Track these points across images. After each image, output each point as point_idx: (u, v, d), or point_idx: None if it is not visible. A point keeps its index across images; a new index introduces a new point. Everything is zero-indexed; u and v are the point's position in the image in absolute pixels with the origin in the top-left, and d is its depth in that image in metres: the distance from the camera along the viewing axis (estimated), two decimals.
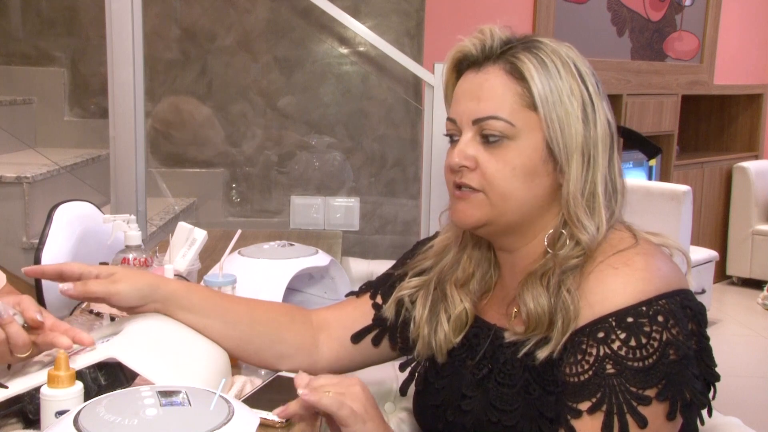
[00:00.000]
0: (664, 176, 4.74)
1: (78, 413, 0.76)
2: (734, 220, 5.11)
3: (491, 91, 1.01)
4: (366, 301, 1.21)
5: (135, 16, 2.06)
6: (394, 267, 1.24)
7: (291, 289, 1.54)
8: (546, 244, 1.03)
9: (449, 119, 1.07)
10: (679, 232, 3.93)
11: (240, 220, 2.86)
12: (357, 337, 1.18)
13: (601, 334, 0.92)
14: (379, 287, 1.21)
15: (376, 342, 1.19)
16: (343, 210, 2.86)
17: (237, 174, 2.86)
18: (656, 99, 4.61)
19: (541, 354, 0.96)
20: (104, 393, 0.84)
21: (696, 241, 4.43)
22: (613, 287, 0.94)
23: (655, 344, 0.89)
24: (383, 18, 2.77)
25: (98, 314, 1.29)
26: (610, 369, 0.90)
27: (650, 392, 0.89)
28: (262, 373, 1.14)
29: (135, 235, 1.42)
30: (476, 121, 1.02)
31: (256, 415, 0.81)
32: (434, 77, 2.46)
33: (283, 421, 1.02)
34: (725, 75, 5.06)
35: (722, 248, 5.06)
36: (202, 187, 2.87)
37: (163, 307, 1.07)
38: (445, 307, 1.11)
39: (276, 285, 1.39)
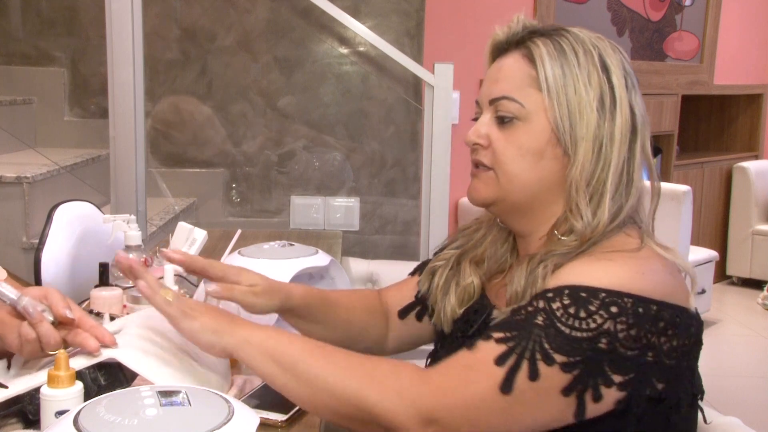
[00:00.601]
0: (664, 176, 4.73)
1: (78, 413, 0.76)
2: (734, 220, 5.11)
3: (507, 73, 1.05)
4: (416, 278, 1.26)
5: (135, 16, 2.06)
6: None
7: None
8: (549, 230, 1.04)
9: (476, 102, 1.11)
10: (679, 232, 3.93)
11: (240, 220, 2.86)
12: (403, 313, 1.24)
13: (550, 295, 0.93)
14: (425, 263, 1.25)
15: (419, 317, 1.23)
16: (343, 210, 2.86)
17: (237, 174, 2.86)
18: (656, 99, 4.61)
19: None
20: (104, 393, 0.84)
21: (696, 241, 4.43)
22: (588, 270, 0.94)
23: (592, 325, 0.89)
24: (383, 18, 2.77)
25: (98, 314, 1.29)
26: (539, 320, 0.91)
27: (559, 358, 0.88)
28: None
29: (135, 235, 1.42)
30: (492, 101, 1.05)
31: (256, 415, 0.81)
32: (434, 77, 2.46)
33: (284, 420, 1.02)
34: (725, 75, 5.06)
35: (722, 248, 5.06)
36: (202, 187, 2.87)
37: (283, 315, 1.15)
38: (457, 279, 1.15)
39: None
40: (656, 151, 4.13)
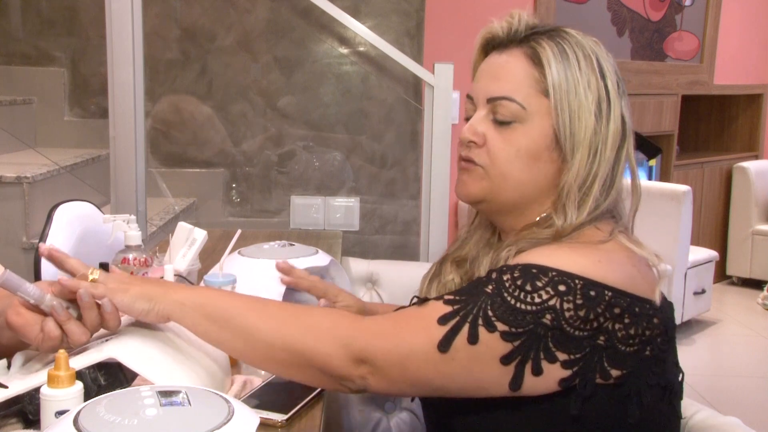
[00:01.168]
0: (664, 176, 4.74)
1: (78, 413, 0.76)
2: (734, 220, 5.11)
3: (509, 72, 1.04)
4: None
5: (135, 16, 2.06)
6: None
7: (291, 289, 1.54)
8: (530, 224, 1.05)
9: (468, 96, 1.10)
10: (679, 232, 3.93)
11: (240, 220, 2.86)
12: None
13: (504, 268, 0.95)
14: None
15: None
16: (343, 210, 2.86)
17: (237, 174, 2.86)
18: (656, 99, 4.61)
19: None
20: (104, 393, 0.84)
21: (696, 241, 4.43)
22: (547, 253, 0.96)
23: (537, 299, 0.91)
24: (383, 18, 2.77)
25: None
26: (488, 289, 0.93)
27: (501, 326, 0.90)
28: (263, 373, 1.14)
29: (135, 235, 1.42)
30: (490, 100, 1.05)
31: (256, 415, 0.81)
32: (434, 77, 2.46)
33: (284, 420, 1.02)
34: (725, 75, 5.06)
35: (722, 248, 5.06)
36: (202, 187, 2.86)
37: None
38: (439, 279, 1.17)
39: (276, 285, 1.39)
40: (656, 151, 4.12)
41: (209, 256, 1.64)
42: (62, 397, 0.86)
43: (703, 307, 4.25)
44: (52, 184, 2.34)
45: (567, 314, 0.90)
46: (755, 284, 4.93)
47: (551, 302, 0.90)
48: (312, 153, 2.85)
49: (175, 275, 1.33)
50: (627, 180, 1.08)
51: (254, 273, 1.41)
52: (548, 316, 0.90)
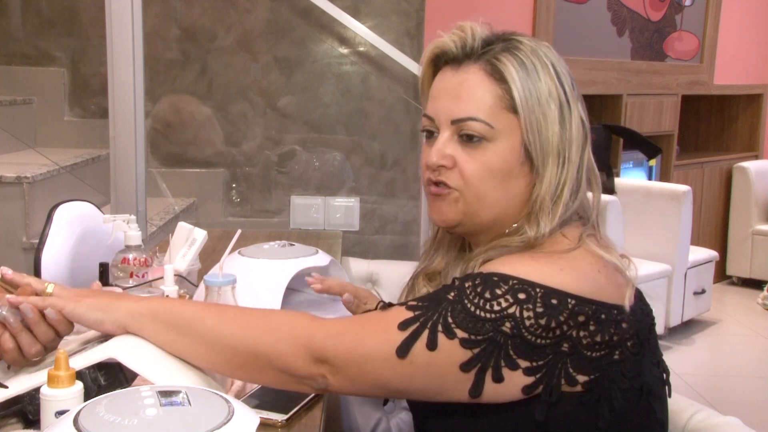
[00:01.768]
0: (664, 176, 4.74)
1: (78, 413, 0.76)
2: (734, 220, 5.11)
3: (471, 91, 1.02)
4: None
5: (135, 16, 2.06)
6: None
7: (291, 289, 1.54)
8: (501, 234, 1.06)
9: (426, 116, 1.07)
10: (679, 232, 3.93)
11: (240, 220, 2.86)
12: None
13: (467, 276, 0.96)
14: None
15: None
16: (343, 210, 2.86)
17: (237, 174, 2.86)
18: (656, 99, 4.61)
19: None
20: (104, 393, 0.84)
21: (696, 241, 4.43)
22: (510, 261, 0.97)
23: (496, 307, 0.91)
24: (383, 18, 2.77)
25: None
26: (450, 296, 0.93)
27: (461, 333, 0.90)
28: None
29: (135, 235, 1.42)
30: (455, 121, 1.03)
31: (256, 415, 0.81)
32: None
33: (284, 420, 1.02)
34: (725, 75, 5.06)
35: (722, 248, 5.06)
36: (202, 187, 2.86)
37: None
38: (413, 294, 1.17)
39: (276, 285, 1.39)
40: (656, 151, 4.12)
41: (209, 256, 1.64)
42: (62, 397, 0.86)
43: (703, 307, 4.25)
44: (52, 184, 2.34)
45: (527, 322, 0.90)
46: (755, 284, 4.93)
47: (510, 310, 0.90)
48: (312, 153, 2.85)
49: (175, 275, 1.33)
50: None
51: (254, 273, 1.41)
52: (508, 324, 0.90)
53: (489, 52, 1.03)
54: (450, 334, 0.90)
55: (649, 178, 4.71)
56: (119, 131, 2.09)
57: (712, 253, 4.33)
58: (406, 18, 2.78)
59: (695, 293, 4.13)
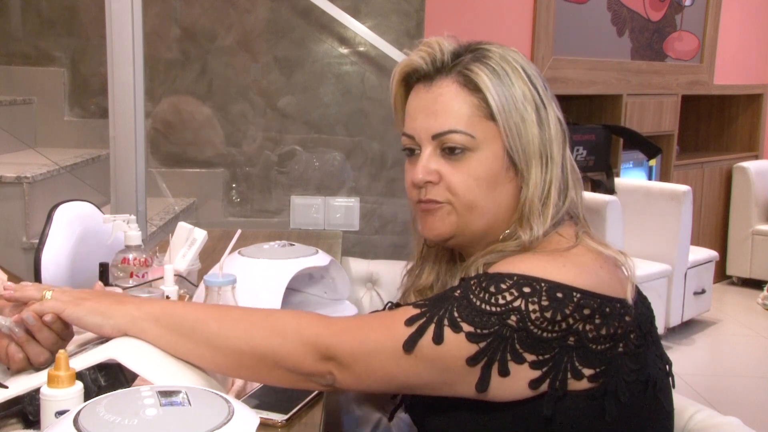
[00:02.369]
0: (664, 176, 4.74)
1: (78, 413, 0.76)
2: (734, 220, 5.12)
3: (447, 105, 1.04)
4: None
5: (135, 16, 2.06)
6: None
7: (291, 289, 1.54)
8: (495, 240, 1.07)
9: (406, 134, 1.09)
10: (679, 232, 3.94)
11: (240, 220, 2.86)
12: None
13: (472, 273, 0.98)
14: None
15: None
16: (343, 210, 2.86)
17: (237, 174, 2.86)
18: (656, 99, 4.61)
19: None
20: (104, 393, 0.84)
21: (696, 241, 4.44)
22: (512, 261, 0.97)
23: (502, 301, 0.92)
24: (383, 18, 2.77)
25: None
26: (456, 293, 0.94)
27: (467, 327, 0.91)
28: None
29: (135, 235, 1.42)
30: (436, 136, 1.05)
31: (256, 415, 0.81)
32: None
33: (284, 420, 1.02)
34: (725, 75, 5.06)
35: (722, 248, 5.06)
36: (202, 187, 2.86)
37: None
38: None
39: (276, 285, 1.39)
40: (656, 151, 4.12)
41: (209, 256, 1.64)
42: (62, 397, 0.86)
43: (703, 307, 4.25)
44: (52, 184, 2.34)
45: (533, 315, 0.91)
46: (755, 284, 4.93)
47: (516, 303, 0.91)
48: (312, 153, 2.85)
49: (175, 275, 1.33)
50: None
51: (254, 273, 1.41)
52: (513, 318, 0.91)
53: (459, 63, 1.04)
54: (456, 328, 0.91)
55: (649, 178, 4.71)
56: (119, 131, 2.09)
57: (712, 253, 4.34)
58: (406, 18, 2.78)
59: (695, 293, 4.13)
